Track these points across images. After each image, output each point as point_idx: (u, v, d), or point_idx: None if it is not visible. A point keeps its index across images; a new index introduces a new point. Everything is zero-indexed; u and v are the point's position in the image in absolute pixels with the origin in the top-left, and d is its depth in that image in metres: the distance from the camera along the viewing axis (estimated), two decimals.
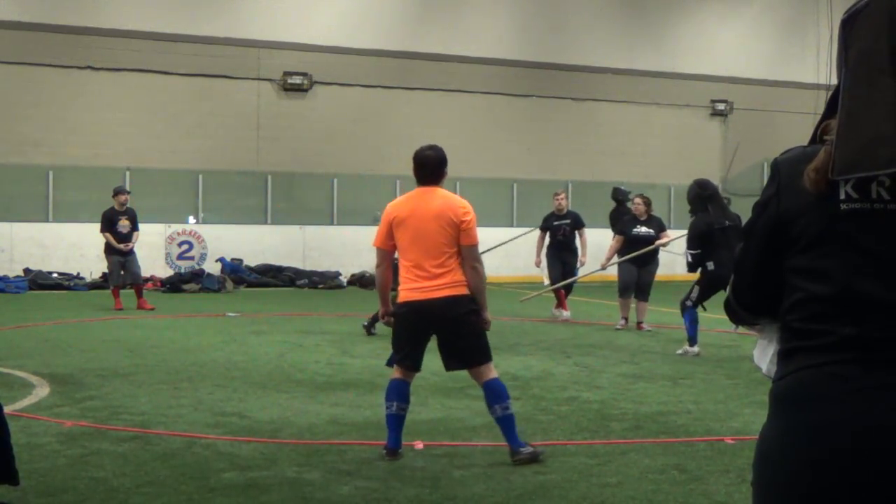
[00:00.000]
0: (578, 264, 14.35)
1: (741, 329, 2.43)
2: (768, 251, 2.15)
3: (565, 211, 14.55)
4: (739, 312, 2.30)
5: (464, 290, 5.87)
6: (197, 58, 21.37)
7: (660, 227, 13.00)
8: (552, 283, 14.16)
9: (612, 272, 13.54)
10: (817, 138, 2.11)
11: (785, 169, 2.13)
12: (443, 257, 5.84)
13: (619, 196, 21.50)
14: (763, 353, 2.28)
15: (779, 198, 2.12)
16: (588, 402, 7.88)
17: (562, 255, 14.22)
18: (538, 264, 14.47)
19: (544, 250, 14.49)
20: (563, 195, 14.74)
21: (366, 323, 11.94)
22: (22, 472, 5.04)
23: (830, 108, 2.07)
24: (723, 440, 6.53)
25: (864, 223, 1.99)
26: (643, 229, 12.86)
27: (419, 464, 5.87)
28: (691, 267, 10.49)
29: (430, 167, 6.01)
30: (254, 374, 9.07)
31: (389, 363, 6.36)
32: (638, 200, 13.13)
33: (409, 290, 5.91)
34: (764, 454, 2.08)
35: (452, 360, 6.02)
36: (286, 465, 5.82)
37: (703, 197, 10.54)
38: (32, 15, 20.23)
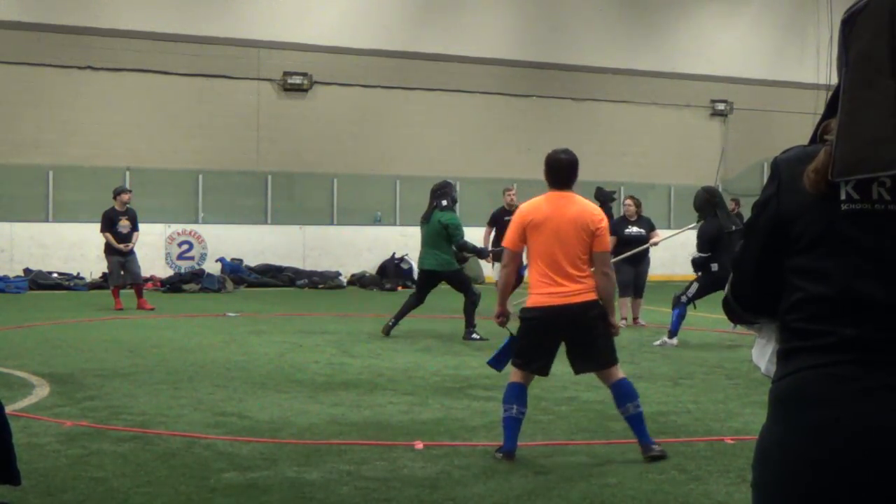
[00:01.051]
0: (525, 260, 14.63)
1: (739, 328, 2.45)
2: (768, 251, 2.15)
3: (515, 206, 14.83)
4: (738, 311, 2.30)
5: (595, 296, 5.93)
6: (197, 58, 21.36)
7: (650, 227, 13.51)
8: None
9: None
10: (818, 138, 2.11)
11: (785, 168, 2.13)
12: (579, 262, 5.91)
13: (602, 196, 21.51)
14: (762, 352, 2.28)
15: (779, 197, 2.12)
16: (588, 402, 7.88)
17: None
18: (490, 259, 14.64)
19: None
20: (513, 190, 15.17)
21: (391, 322, 11.82)
22: (22, 472, 5.04)
23: (831, 109, 2.07)
24: (723, 440, 6.53)
25: (865, 224, 1.99)
26: (634, 229, 13.34)
27: (419, 464, 5.87)
28: (697, 268, 11.14)
29: (564, 171, 6.09)
30: (254, 374, 9.07)
31: (495, 364, 6.41)
32: (629, 202, 13.57)
33: (544, 294, 5.93)
34: (764, 455, 2.08)
35: (585, 363, 6.07)
36: (286, 465, 5.82)
37: (712, 203, 11.22)
38: (32, 15, 20.23)
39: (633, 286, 13.22)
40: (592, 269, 6.00)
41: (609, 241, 6.09)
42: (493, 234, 14.88)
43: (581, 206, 6.03)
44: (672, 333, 11.22)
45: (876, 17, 1.95)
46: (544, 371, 6.12)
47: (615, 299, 6.24)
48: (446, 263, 11.80)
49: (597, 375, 6.17)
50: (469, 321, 11.70)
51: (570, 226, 5.90)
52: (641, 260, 13.32)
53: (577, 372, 6.18)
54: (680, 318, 11.22)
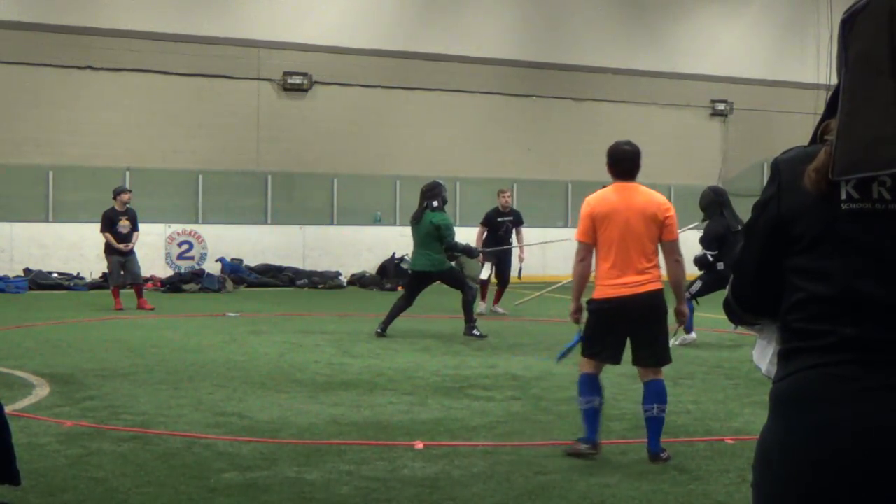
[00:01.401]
0: (518, 261, 15.15)
1: (740, 329, 2.46)
2: (768, 251, 2.15)
3: (509, 209, 15.23)
4: (739, 312, 2.30)
5: (661, 286, 5.99)
6: (197, 58, 21.36)
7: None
8: (488, 277, 14.85)
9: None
10: (818, 138, 2.11)
11: (786, 169, 2.13)
12: (647, 253, 5.98)
13: None
14: (762, 354, 2.28)
15: (779, 198, 2.12)
16: None
17: (498, 252, 14.91)
18: (482, 259, 14.72)
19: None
20: (508, 193, 15.52)
21: (380, 328, 11.75)
22: (22, 472, 5.04)
23: (831, 109, 2.07)
24: (723, 440, 6.53)
25: (865, 223, 1.99)
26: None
27: (419, 464, 5.87)
28: (702, 266, 11.31)
29: (628, 162, 6.19)
30: (254, 374, 9.07)
31: (561, 357, 6.59)
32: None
33: (613, 285, 5.97)
34: (764, 455, 2.07)
35: (647, 356, 6.09)
36: (286, 465, 5.82)
37: (718, 202, 11.36)
38: (32, 15, 20.22)
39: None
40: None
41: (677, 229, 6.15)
42: (485, 234, 15.03)
43: (648, 196, 6.12)
44: (688, 329, 11.25)
45: (876, 17, 1.95)
46: (615, 360, 6.18)
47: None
48: (439, 263, 11.76)
49: (639, 370, 6.19)
50: (469, 317, 11.74)
51: (639, 216, 5.97)
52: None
53: (639, 363, 6.18)
54: (691, 312, 11.22)
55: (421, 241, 11.80)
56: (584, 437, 6.07)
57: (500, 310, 14.65)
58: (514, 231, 15.14)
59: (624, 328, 6.01)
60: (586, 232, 6.09)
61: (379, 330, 11.65)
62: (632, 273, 5.92)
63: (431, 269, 11.74)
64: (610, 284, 5.97)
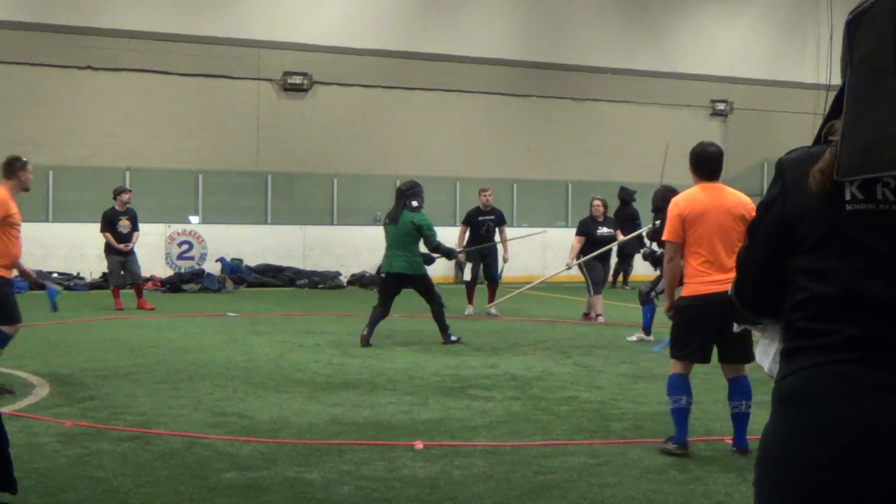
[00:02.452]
0: (501, 261, 15.14)
1: (743, 328, 2.47)
2: (773, 251, 2.15)
3: (490, 207, 15.17)
4: (742, 312, 2.30)
5: None
6: (197, 58, 21.36)
7: (616, 226, 14.33)
8: (472, 277, 14.79)
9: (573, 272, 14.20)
10: (822, 139, 2.11)
11: (790, 169, 2.13)
12: (735, 250, 6.02)
13: (626, 196, 21.53)
14: (765, 353, 2.28)
15: (784, 198, 2.12)
16: (588, 402, 7.88)
17: (483, 252, 14.85)
18: (462, 260, 14.70)
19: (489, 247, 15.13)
20: (489, 192, 15.38)
21: (365, 332, 11.13)
22: (22, 472, 5.05)
23: (835, 109, 2.07)
24: (723, 440, 6.53)
25: (869, 224, 1.99)
26: (605, 229, 13.89)
27: (419, 464, 5.87)
28: (655, 263, 11.41)
29: (713, 163, 6.32)
30: (254, 374, 9.06)
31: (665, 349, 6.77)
32: (597, 203, 14.02)
33: (704, 283, 6.07)
34: (766, 454, 2.07)
35: (735, 353, 6.17)
36: (286, 465, 5.82)
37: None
38: (32, 15, 20.22)
39: (603, 283, 14.00)
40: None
41: None
42: (467, 233, 14.97)
43: (735, 196, 6.29)
44: (647, 330, 11.64)
45: (881, 18, 1.95)
46: (705, 359, 6.27)
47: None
48: (416, 266, 11.33)
49: (723, 367, 6.31)
50: (442, 326, 11.31)
51: (728, 216, 6.13)
52: (608, 258, 14.25)
53: (723, 359, 6.26)
54: (651, 313, 11.59)
55: (398, 242, 11.34)
56: (674, 438, 6.20)
57: (493, 310, 14.53)
58: (496, 230, 15.01)
59: (713, 325, 6.04)
60: (675, 232, 6.21)
61: (365, 334, 11.00)
62: (721, 271, 6.03)
63: (410, 272, 11.26)
64: (700, 282, 6.10)
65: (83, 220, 18.78)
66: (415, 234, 11.30)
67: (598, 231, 13.78)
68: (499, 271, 15.10)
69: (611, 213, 15.02)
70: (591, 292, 13.71)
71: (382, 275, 11.61)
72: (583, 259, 13.49)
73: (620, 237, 14.13)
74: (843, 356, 1.99)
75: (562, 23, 24.34)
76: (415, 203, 11.40)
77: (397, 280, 11.35)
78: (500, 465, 5.83)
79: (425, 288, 11.42)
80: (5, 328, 8.22)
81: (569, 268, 13.97)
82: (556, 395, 8.17)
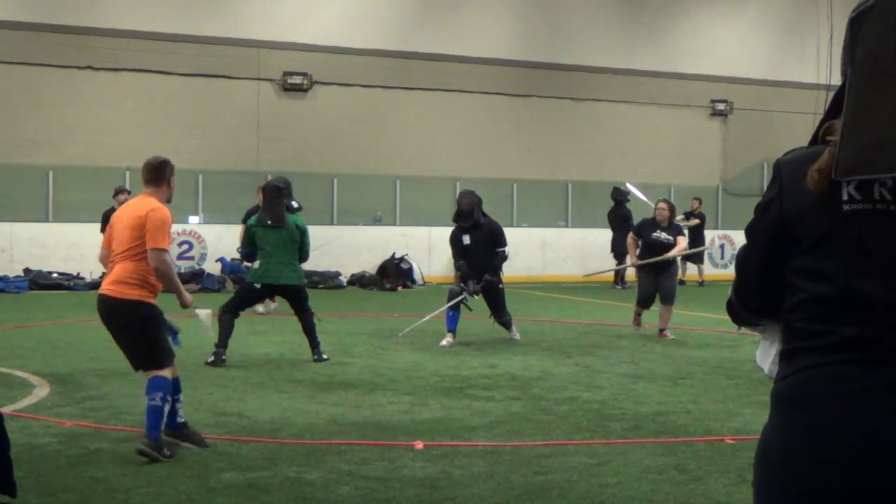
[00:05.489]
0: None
1: (744, 330, 2.45)
2: (771, 252, 2.15)
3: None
4: (742, 313, 2.30)
5: None
6: (197, 58, 21.36)
7: (678, 233, 12.45)
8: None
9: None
10: (819, 139, 2.11)
11: (787, 170, 2.13)
12: None
13: (619, 196, 21.53)
14: (765, 354, 2.28)
15: (781, 199, 2.12)
16: (588, 402, 7.88)
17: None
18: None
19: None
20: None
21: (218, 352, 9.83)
22: (22, 473, 5.05)
23: (833, 109, 2.07)
24: (723, 440, 6.53)
25: (866, 224, 1.99)
26: (662, 235, 12.19)
27: (419, 464, 5.87)
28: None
29: None
30: (254, 374, 9.07)
31: None
32: (662, 206, 12.38)
33: None
34: (765, 454, 2.08)
35: None
36: (286, 465, 5.82)
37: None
38: (32, 15, 20.22)
39: (653, 299, 12.24)
40: None
41: None
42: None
43: None
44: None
45: (883, 18, 1.95)
46: None
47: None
48: (303, 275, 10.31)
49: None
50: (315, 342, 10.05)
51: None
52: (666, 270, 12.18)
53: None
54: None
55: (284, 249, 9.93)
56: None
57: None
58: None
59: None
60: None
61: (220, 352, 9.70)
62: None
63: (299, 283, 10.14)
64: None
65: (83, 220, 18.79)
66: (299, 240, 10.00)
67: (653, 235, 12.15)
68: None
69: (645, 213, 13.25)
70: (637, 304, 12.46)
71: (257, 286, 10.27)
72: (643, 262, 12.20)
73: (680, 246, 12.29)
74: (841, 356, 1.99)
75: (561, 23, 24.34)
76: (295, 204, 10.32)
77: (274, 291, 10.26)
78: (500, 465, 5.83)
79: (305, 299, 10.18)
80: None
81: (633, 266, 12.87)
82: (556, 395, 8.17)
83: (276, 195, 10.07)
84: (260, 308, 13.77)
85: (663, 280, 12.17)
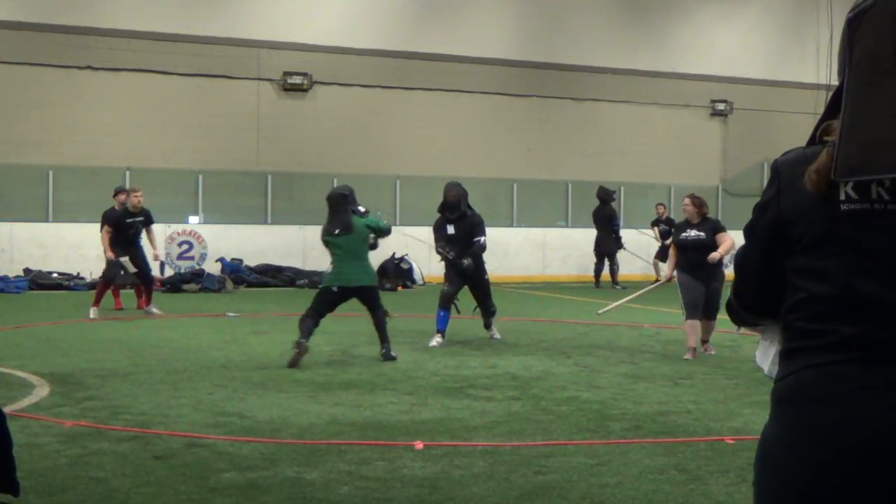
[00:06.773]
0: (154, 260, 14.76)
1: (743, 330, 2.45)
2: (769, 252, 2.15)
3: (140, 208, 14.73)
4: (742, 314, 2.30)
5: None
6: (197, 58, 21.36)
7: (715, 230, 10.69)
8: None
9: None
10: (817, 139, 2.11)
11: (785, 170, 2.13)
12: None
13: (604, 195, 21.48)
14: (765, 355, 2.28)
15: (779, 199, 2.12)
16: (588, 402, 7.88)
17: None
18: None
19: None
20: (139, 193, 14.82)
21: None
22: (22, 472, 5.05)
23: (831, 110, 2.06)
24: (723, 440, 6.53)
25: (865, 223, 1.99)
26: (693, 232, 10.68)
27: (419, 464, 5.87)
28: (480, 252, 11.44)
29: None
30: (254, 374, 9.07)
31: None
32: (686, 201, 10.97)
33: None
34: (765, 454, 2.07)
35: None
36: (286, 465, 5.82)
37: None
38: (32, 15, 20.23)
39: (701, 306, 10.54)
40: None
41: None
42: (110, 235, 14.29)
43: None
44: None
45: (882, 18, 1.95)
46: None
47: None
48: (375, 276, 10.63)
49: None
50: (384, 337, 10.22)
51: None
52: (711, 275, 10.58)
53: None
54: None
55: (357, 252, 10.16)
56: None
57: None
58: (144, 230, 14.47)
59: None
60: None
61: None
62: None
63: (372, 284, 10.38)
64: None
65: (83, 220, 18.79)
66: (369, 241, 10.26)
67: (684, 234, 10.68)
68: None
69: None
70: (685, 317, 10.64)
71: (335, 289, 10.27)
72: (662, 282, 11.51)
73: (726, 245, 10.47)
74: (841, 356, 1.99)
75: (562, 23, 24.34)
76: (361, 209, 10.41)
77: (350, 293, 10.34)
78: (500, 465, 5.83)
79: (377, 298, 10.42)
80: None
81: (668, 280, 11.25)
82: (556, 395, 8.17)
83: (342, 202, 10.25)
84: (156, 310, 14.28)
85: (712, 286, 10.59)
